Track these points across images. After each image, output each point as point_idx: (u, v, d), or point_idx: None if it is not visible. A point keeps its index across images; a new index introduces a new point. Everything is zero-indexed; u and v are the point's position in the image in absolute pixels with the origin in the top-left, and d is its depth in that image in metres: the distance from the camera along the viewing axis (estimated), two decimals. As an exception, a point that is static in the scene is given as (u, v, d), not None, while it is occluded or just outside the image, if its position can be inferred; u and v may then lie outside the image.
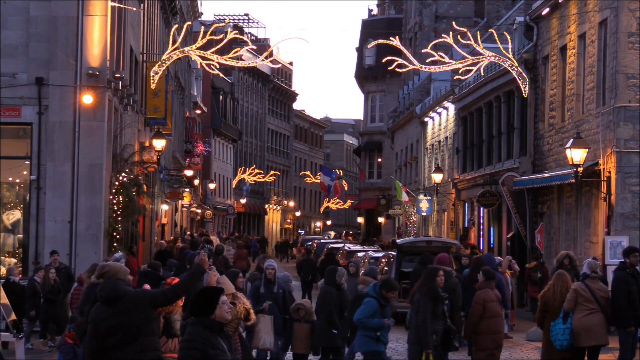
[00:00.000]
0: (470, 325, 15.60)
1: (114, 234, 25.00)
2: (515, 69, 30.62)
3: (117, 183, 25.38)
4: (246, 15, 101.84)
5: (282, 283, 17.50)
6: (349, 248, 41.66)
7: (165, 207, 46.42)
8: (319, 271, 35.26)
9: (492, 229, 39.24)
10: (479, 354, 15.64)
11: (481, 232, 40.99)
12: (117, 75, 25.56)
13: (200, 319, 8.89)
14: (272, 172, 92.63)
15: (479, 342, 15.57)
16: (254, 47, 46.60)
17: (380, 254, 33.00)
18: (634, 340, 16.85)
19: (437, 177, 44.88)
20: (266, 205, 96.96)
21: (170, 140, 42.97)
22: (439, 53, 31.09)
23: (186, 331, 9.14)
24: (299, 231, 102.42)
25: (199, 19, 66.49)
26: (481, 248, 39.42)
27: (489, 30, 44.67)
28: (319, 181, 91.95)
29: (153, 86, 31.75)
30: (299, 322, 16.89)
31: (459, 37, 33.80)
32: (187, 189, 50.90)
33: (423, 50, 32.51)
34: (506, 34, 32.56)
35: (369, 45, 47.59)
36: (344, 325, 16.77)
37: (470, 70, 31.43)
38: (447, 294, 15.87)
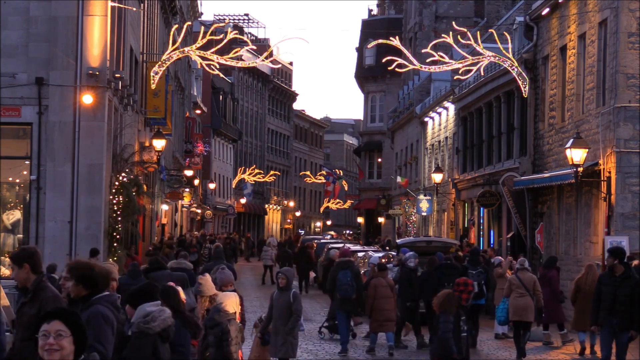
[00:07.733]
0: (368, 304, 20.73)
1: (114, 234, 24.98)
2: (515, 69, 30.61)
3: (117, 183, 25.35)
4: (246, 15, 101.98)
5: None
6: (349, 248, 41.51)
7: (165, 207, 46.42)
8: (294, 262, 39.87)
9: (492, 229, 39.23)
10: (373, 324, 20.89)
11: (481, 232, 40.97)
12: (117, 75, 25.53)
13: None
14: (272, 172, 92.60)
15: (373, 316, 20.69)
16: (254, 47, 46.57)
17: (380, 254, 32.95)
18: (620, 341, 16.59)
19: (437, 177, 44.86)
20: (266, 206, 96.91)
21: (170, 140, 42.96)
22: (439, 53, 31.09)
23: None
24: (299, 231, 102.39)
25: (199, 19, 66.49)
26: (481, 248, 39.41)
27: (489, 30, 44.66)
28: (319, 181, 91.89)
29: (153, 86, 31.74)
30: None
31: (459, 37, 33.79)
32: (187, 189, 50.93)
33: (423, 50, 32.51)
34: (506, 34, 32.56)
35: (369, 45, 47.59)
36: None
37: (470, 70, 31.43)
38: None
